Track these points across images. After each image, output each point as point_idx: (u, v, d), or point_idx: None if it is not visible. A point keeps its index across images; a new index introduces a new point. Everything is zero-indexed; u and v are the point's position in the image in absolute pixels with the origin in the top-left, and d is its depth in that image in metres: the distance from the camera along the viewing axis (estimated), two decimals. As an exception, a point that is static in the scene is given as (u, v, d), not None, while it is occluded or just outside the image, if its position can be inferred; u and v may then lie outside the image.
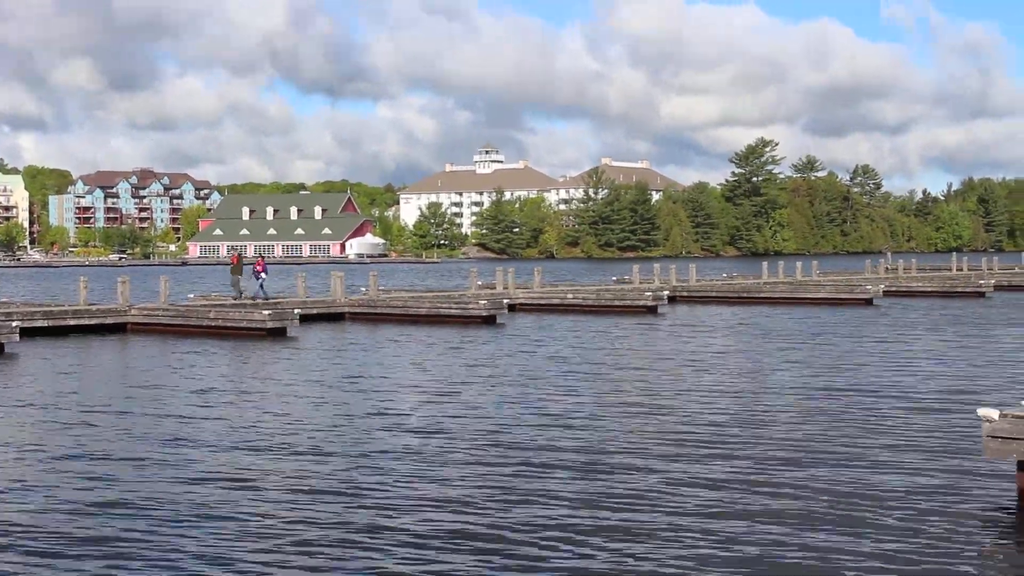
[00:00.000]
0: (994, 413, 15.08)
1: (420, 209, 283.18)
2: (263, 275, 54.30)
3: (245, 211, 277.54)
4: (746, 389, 27.30)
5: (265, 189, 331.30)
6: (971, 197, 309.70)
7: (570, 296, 62.39)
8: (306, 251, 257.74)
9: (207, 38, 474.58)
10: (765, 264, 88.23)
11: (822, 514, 14.38)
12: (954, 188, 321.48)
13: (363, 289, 61.56)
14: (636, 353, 37.05)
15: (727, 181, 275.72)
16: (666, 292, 63.35)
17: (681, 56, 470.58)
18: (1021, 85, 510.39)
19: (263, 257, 58.82)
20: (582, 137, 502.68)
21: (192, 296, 51.89)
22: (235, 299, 52.42)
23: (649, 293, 61.10)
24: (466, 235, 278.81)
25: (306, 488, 16.16)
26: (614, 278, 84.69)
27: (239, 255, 56.98)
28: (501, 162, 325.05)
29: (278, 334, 43.74)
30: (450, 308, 52.75)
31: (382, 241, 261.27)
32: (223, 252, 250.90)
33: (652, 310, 58.18)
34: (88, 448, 19.53)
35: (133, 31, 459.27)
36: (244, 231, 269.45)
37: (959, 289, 75.65)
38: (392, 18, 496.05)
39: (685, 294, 70.23)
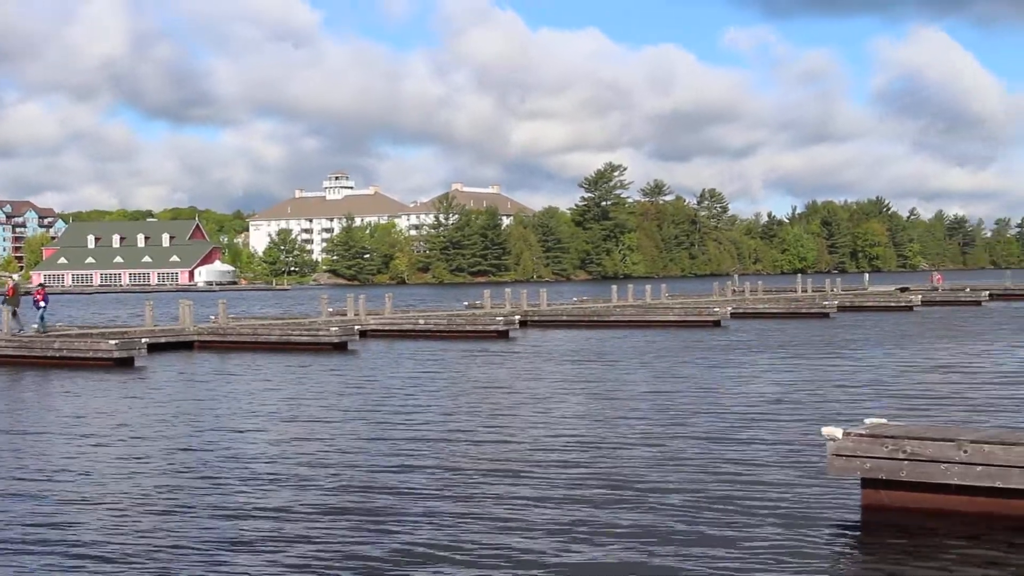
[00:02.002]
0: (838, 432, 15.39)
1: (270, 236, 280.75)
2: (43, 304, 52.08)
3: (91, 239, 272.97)
4: (595, 411, 27.46)
5: (111, 216, 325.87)
6: (815, 220, 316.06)
7: (421, 322, 62.32)
8: (154, 279, 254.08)
9: (46, 63, 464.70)
10: (615, 287, 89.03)
11: (668, 533, 14.49)
12: (798, 211, 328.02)
13: (212, 317, 60.83)
14: (487, 378, 37.09)
15: (576, 206, 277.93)
16: (517, 317, 63.61)
17: (527, 81, 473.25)
18: (860, 111, 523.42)
19: (44, 286, 56.70)
20: (432, 163, 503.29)
21: (35, 326, 50.74)
22: (14, 334, 49.41)
23: (500, 318, 61.28)
24: (317, 262, 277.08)
25: (151, 510, 15.91)
26: (465, 303, 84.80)
27: (15, 286, 54.39)
28: (351, 188, 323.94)
29: (125, 364, 42.96)
30: (301, 335, 52.35)
31: (231, 268, 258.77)
32: (68, 281, 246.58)
33: (503, 335, 58.36)
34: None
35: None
36: (90, 259, 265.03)
37: (804, 310, 77.14)
38: (235, 44, 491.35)
39: (536, 318, 70.54)
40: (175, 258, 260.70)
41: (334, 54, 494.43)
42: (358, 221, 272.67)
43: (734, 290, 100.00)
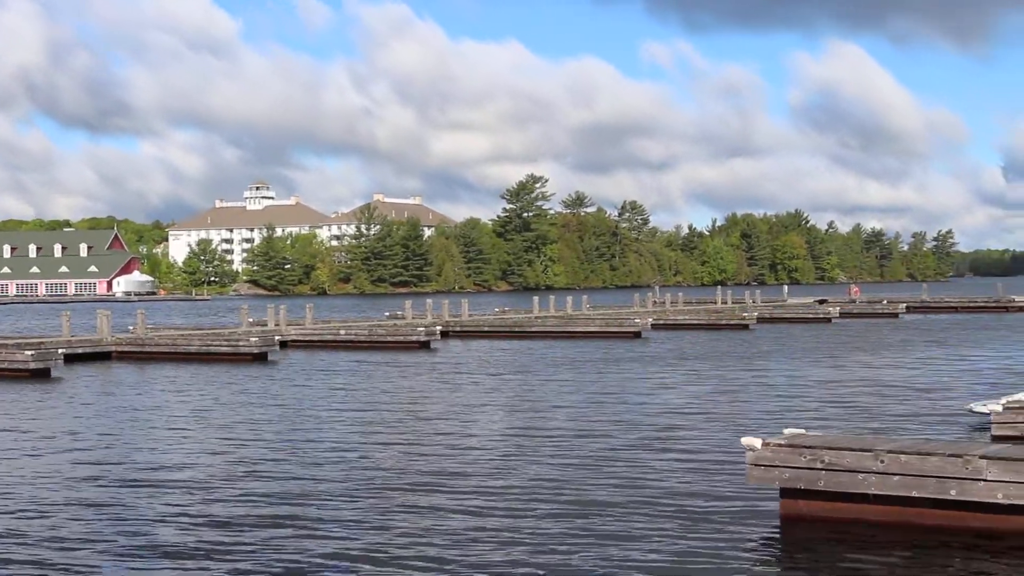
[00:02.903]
0: (757, 442, 15.50)
1: (190, 246, 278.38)
2: None
3: (6, 249, 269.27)
4: (515, 422, 27.47)
5: (27, 226, 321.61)
6: (734, 232, 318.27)
7: (342, 332, 62.06)
8: (71, 289, 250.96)
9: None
10: (536, 298, 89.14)
11: (586, 543, 14.52)
12: (718, 224, 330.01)
13: (131, 327, 60.28)
14: (407, 388, 37.00)
15: (498, 217, 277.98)
16: (438, 327, 63.60)
17: (448, 93, 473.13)
18: (779, 125, 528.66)
19: None
20: (353, 174, 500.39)
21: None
22: None
23: (422, 328, 61.19)
24: (237, 272, 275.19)
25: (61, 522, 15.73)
26: (387, 313, 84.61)
27: None
28: (272, 199, 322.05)
29: (41, 375, 42.41)
30: (220, 345, 51.98)
31: (151, 279, 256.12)
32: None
33: (425, 345, 58.26)
34: None
35: None
36: (5, 269, 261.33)
37: (724, 321, 77.62)
38: (153, 53, 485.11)
39: (458, 329, 70.51)
40: (93, 268, 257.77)
41: (253, 64, 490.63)
42: (279, 231, 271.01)
43: (655, 301, 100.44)
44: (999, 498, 14.17)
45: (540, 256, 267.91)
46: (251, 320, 66.79)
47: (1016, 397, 24.36)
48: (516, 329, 70.07)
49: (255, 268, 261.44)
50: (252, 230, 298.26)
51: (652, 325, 70.22)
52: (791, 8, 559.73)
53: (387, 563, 13.82)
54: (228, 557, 14.24)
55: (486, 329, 70.97)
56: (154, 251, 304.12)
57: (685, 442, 23.38)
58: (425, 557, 14.05)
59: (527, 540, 14.82)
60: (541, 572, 13.32)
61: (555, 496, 17.68)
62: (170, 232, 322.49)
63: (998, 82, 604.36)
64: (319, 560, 14.01)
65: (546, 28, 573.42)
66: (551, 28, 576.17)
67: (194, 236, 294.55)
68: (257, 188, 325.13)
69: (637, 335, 65.56)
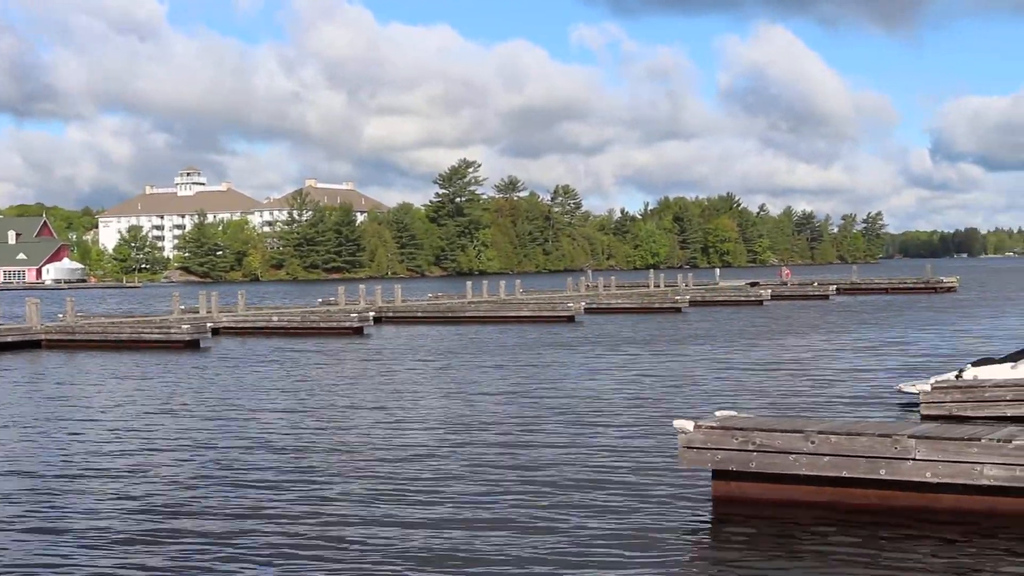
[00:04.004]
0: (689, 424, 15.58)
1: (120, 233, 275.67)
2: None
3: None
4: (449, 407, 27.46)
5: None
6: (667, 216, 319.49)
7: (275, 319, 61.79)
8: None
9: None
10: (469, 284, 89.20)
11: (519, 526, 14.54)
12: (650, 207, 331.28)
13: (60, 315, 59.73)
14: (339, 374, 36.91)
15: (431, 202, 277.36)
16: (372, 313, 63.47)
17: (379, 77, 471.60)
18: (708, 108, 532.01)
19: None
20: (284, 159, 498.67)
21: None
22: None
23: (355, 314, 61.02)
24: (168, 259, 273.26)
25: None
26: (319, 300, 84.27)
27: None
28: (203, 185, 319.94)
29: (-32, 364, 42.00)
30: (152, 333, 51.61)
31: (81, 266, 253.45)
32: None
33: (358, 331, 58.10)
34: None
35: None
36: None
37: (656, 305, 78.00)
38: (79, 37, 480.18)
39: (391, 314, 70.38)
40: (22, 256, 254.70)
41: (181, 47, 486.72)
42: (210, 218, 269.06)
43: (588, 285, 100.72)
44: (928, 477, 14.33)
45: (473, 241, 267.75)
46: (183, 307, 66.32)
47: (944, 377, 24.65)
48: (449, 314, 70.06)
49: (186, 255, 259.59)
50: (183, 216, 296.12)
51: (585, 309, 70.45)
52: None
53: (316, 549, 13.79)
54: (152, 546, 14.14)
55: (419, 314, 70.88)
56: (84, 238, 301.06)
57: (617, 425, 23.46)
58: (350, 541, 14.03)
59: (457, 525, 14.81)
60: (471, 558, 13.32)
61: (486, 480, 17.69)
62: (100, 219, 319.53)
63: (925, 65, 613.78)
64: (246, 547, 13.95)
65: (476, 12, 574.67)
66: (481, 12, 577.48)
67: (124, 223, 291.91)
68: (188, 174, 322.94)
69: (570, 319, 65.71)
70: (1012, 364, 24.42)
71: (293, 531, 14.71)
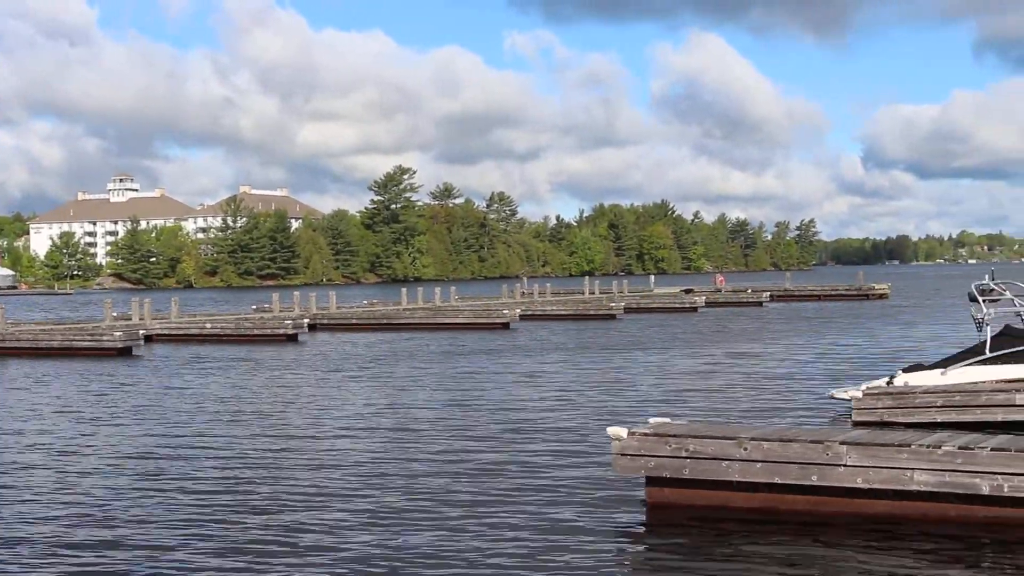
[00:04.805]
0: (623, 431, 15.63)
1: (52, 239, 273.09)
2: None
3: None
4: (382, 414, 27.39)
5: None
6: (602, 223, 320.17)
7: (209, 326, 61.45)
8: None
9: None
10: (405, 290, 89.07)
11: (453, 532, 14.55)
12: (585, 214, 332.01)
13: (-11, 323, 59.08)
14: (274, 382, 36.73)
15: (366, 208, 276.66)
16: (306, 320, 63.21)
17: (313, 83, 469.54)
18: (642, 115, 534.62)
19: None
20: (218, 165, 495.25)
21: None
22: None
23: (289, 321, 60.81)
24: (101, 265, 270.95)
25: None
26: (254, 306, 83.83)
27: None
28: (136, 191, 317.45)
29: None
30: (83, 340, 51.15)
31: (11, 272, 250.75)
32: None
33: (292, 338, 57.89)
34: None
35: None
36: None
37: (591, 312, 78.14)
38: (7, 41, 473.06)
39: (326, 321, 70.13)
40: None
41: (112, 52, 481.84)
42: (144, 224, 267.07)
43: (523, 292, 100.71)
44: (859, 483, 14.46)
45: (409, 248, 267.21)
46: (115, 314, 65.72)
47: (875, 383, 24.87)
48: (384, 321, 69.89)
49: (119, 261, 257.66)
50: (116, 223, 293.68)
51: (520, 316, 70.42)
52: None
53: (245, 555, 13.72)
54: (77, 554, 14.03)
55: (354, 322, 70.67)
56: (15, 244, 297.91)
57: (552, 432, 23.50)
58: (281, 545, 13.98)
59: (389, 532, 14.78)
60: (402, 566, 13.29)
61: (420, 488, 17.66)
62: (31, 225, 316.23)
63: (855, 72, 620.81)
64: (175, 558, 13.87)
65: (410, 18, 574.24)
66: (415, 18, 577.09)
67: (56, 229, 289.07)
68: (121, 180, 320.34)
69: (505, 326, 65.77)
70: (942, 371, 24.67)
71: (221, 539, 14.63)
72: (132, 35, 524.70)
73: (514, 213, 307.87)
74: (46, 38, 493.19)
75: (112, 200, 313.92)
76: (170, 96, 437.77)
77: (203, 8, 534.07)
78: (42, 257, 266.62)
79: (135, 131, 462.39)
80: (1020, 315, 26.63)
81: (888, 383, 24.60)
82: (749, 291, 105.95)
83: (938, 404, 22.59)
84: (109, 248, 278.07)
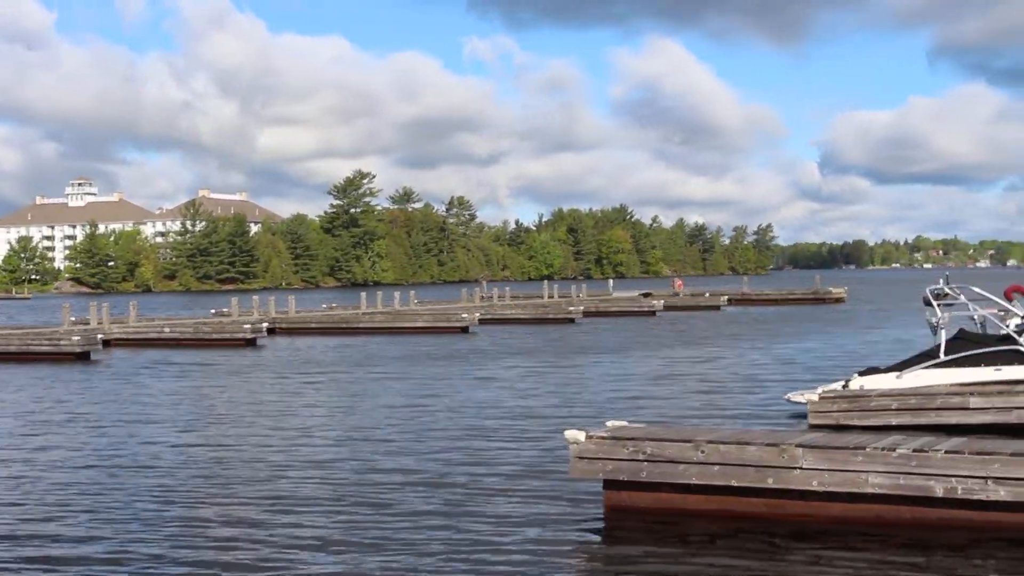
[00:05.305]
0: (580, 435, 15.69)
1: (10, 243, 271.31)
2: None
3: None
4: (341, 419, 27.36)
5: None
6: (561, 227, 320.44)
7: (167, 330, 61.24)
8: None
9: None
10: (364, 294, 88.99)
11: (410, 541, 14.55)
12: (545, 219, 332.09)
13: (-55, 327, 58.71)
14: (232, 386, 36.61)
15: (325, 212, 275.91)
16: (265, 324, 63.13)
17: (272, 87, 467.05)
18: (602, 120, 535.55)
19: None
20: (177, 169, 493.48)
21: None
22: None
23: (248, 325, 60.64)
24: (59, 270, 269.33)
25: None
26: (212, 311, 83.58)
27: None
28: (94, 195, 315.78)
29: None
30: (41, 345, 50.89)
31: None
32: None
33: (251, 342, 57.74)
34: None
35: None
36: None
37: (550, 316, 78.27)
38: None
39: (285, 326, 69.97)
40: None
41: (70, 56, 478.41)
42: (102, 228, 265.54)
43: (482, 296, 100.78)
44: (815, 485, 14.57)
45: (368, 252, 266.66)
46: (73, 319, 65.42)
47: (831, 386, 25.05)
48: (344, 325, 69.82)
49: (78, 266, 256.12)
50: (74, 227, 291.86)
51: (480, 320, 70.51)
52: (608, 5, 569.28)
53: (193, 565, 13.73)
54: (34, 564, 14.01)
55: (313, 326, 70.56)
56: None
57: (509, 436, 23.55)
58: (234, 551, 13.99)
59: (341, 541, 14.75)
60: (360, 572, 13.31)
61: (375, 494, 17.66)
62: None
63: (813, 78, 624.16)
64: (130, 567, 13.86)
65: (369, 22, 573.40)
66: (374, 22, 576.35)
67: (14, 233, 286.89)
68: (79, 184, 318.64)
69: (465, 330, 65.81)
70: (897, 374, 24.86)
71: (177, 545, 14.62)
72: (90, 38, 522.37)
73: (473, 217, 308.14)
74: (3, 42, 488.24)
75: (70, 204, 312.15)
76: (128, 100, 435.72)
77: (161, 11, 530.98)
78: (0, 262, 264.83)
79: (93, 135, 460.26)
80: (974, 319, 26.88)
81: (844, 386, 24.78)
82: (707, 295, 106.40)
83: (893, 407, 22.79)
84: (67, 252, 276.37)
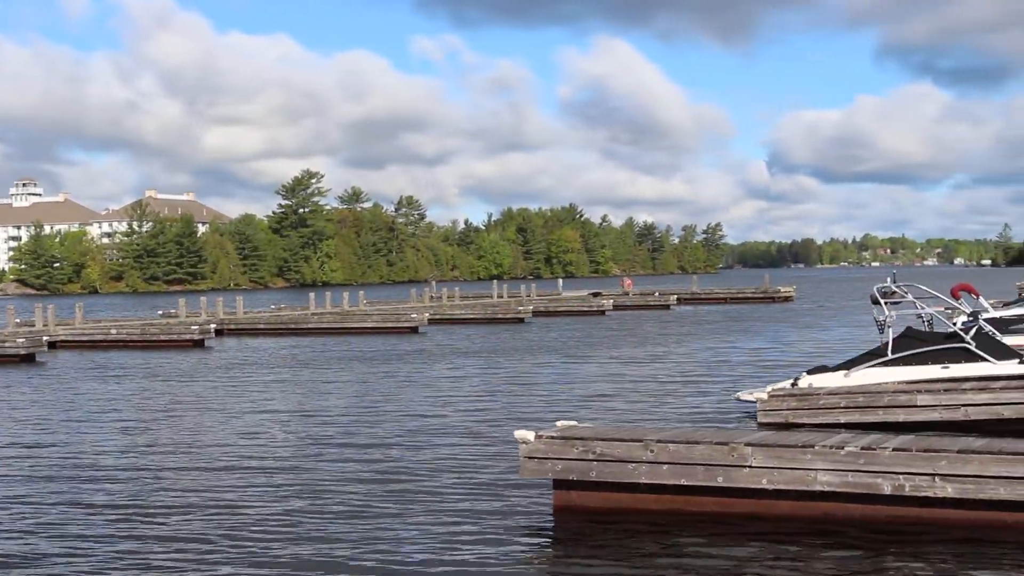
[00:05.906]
0: (530, 435, 15.65)
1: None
2: None
3: None
4: (291, 421, 27.24)
5: None
6: (510, 227, 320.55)
7: (114, 331, 60.79)
8: None
9: None
10: (313, 295, 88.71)
11: (359, 537, 14.47)
12: (494, 218, 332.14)
13: None
14: (180, 388, 36.39)
15: (274, 213, 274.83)
16: (213, 325, 62.77)
17: (217, 86, 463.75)
18: (550, 120, 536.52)
19: None
20: (122, 169, 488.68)
21: None
22: None
23: (196, 327, 60.32)
24: (3, 271, 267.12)
25: None
26: (160, 312, 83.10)
27: None
28: (39, 195, 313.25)
29: None
30: (-16, 347, 50.44)
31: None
32: None
33: (199, 344, 57.41)
34: None
35: None
36: None
37: (500, 316, 78.24)
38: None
39: (233, 327, 69.63)
40: None
41: (12, 55, 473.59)
42: (47, 229, 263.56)
43: (432, 296, 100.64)
44: (764, 484, 14.59)
45: (317, 252, 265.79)
46: (18, 320, 64.87)
47: (780, 385, 25.10)
48: (292, 326, 69.57)
49: (23, 267, 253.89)
50: (19, 228, 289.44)
51: (429, 320, 70.45)
52: (556, 5, 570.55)
53: (136, 569, 13.59)
54: None
55: (262, 326, 70.26)
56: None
57: (459, 436, 23.48)
58: (180, 552, 13.86)
59: (293, 541, 14.67)
60: (307, 573, 13.22)
61: (322, 495, 17.54)
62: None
63: (760, 78, 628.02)
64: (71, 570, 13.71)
65: (315, 21, 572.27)
66: (320, 21, 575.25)
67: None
68: (23, 184, 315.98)
69: (414, 330, 65.70)
70: (845, 372, 24.94)
71: (123, 551, 14.47)
72: (32, 37, 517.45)
73: (423, 217, 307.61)
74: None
75: (15, 205, 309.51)
76: (72, 99, 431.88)
77: (104, 10, 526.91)
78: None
79: (37, 135, 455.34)
80: (921, 317, 27.03)
81: (793, 385, 24.83)
82: (656, 294, 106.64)
83: (841, 405, 22.87)
84: (12, 254, 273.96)
